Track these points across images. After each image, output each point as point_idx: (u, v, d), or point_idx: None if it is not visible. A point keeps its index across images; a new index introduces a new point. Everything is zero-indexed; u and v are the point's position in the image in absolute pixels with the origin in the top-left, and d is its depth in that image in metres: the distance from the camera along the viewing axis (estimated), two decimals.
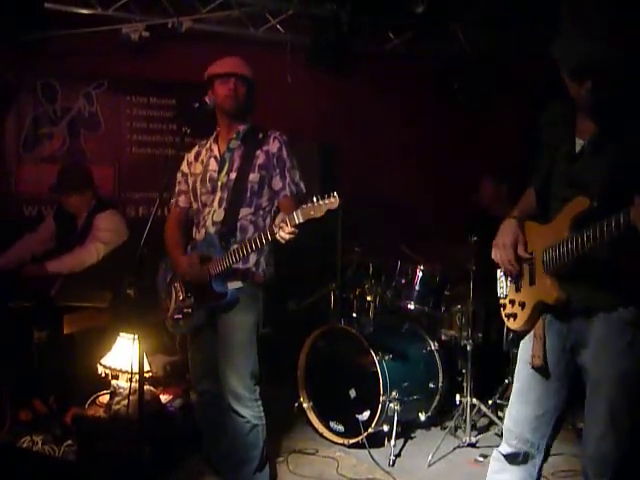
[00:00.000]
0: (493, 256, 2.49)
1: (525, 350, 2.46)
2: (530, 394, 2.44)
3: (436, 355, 4.27)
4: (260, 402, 3.14)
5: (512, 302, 2.48)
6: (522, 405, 2.47)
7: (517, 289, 2.46)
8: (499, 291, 2.58)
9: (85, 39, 4.83)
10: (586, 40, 2.10)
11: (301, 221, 2.57)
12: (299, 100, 5.45)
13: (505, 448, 2.51)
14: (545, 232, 2.31)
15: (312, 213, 2.55)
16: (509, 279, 2.52)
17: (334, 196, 2.54)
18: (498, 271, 2.59)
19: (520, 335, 2.50)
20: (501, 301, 2.57)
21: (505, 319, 2.53)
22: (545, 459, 2.49)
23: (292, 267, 4.46)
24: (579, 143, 2.26)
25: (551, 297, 2.26)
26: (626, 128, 2.14)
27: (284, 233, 2.62)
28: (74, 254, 4.17)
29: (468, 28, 5.58)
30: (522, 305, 2.42)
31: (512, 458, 2.48)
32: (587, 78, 2.10)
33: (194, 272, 3.03)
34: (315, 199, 2.55)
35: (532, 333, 2.42)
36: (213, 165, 3.15)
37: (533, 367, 2.40)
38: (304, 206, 2.56)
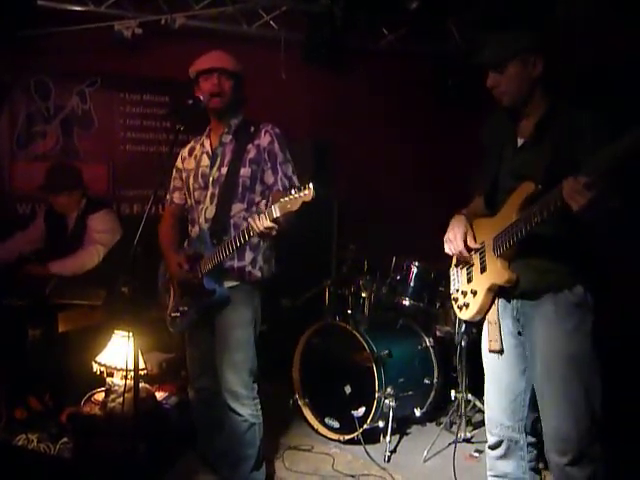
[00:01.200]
0: (446, 250, 2.64)
1: (485, 339, 2.58)
2: (500, 381, 2.56)
3: (431, 351, 4.28)
4: (258, 400, 3.14)
5: (464, 293, 2.60)
6: (495, 393, 2.59)
7: (469, 280, 2.58)
8: (451, 287, 2.70)
9: (78, 36, 4.81)
10: (493, 37, 2.39)
11: (278, 215, 2.53)
12: (293, 97, 5.44)
13: (490, 439, 2.62)
14: (494, 222, 2.46)
15: (289, 207, 2.51)
16: (460, 274, 2.65)
17: (308, 188, 2.48)
18: (450, 269, 2.73)
19: (479, 329, 2.61)
20: (452, 295, 2.69)
21: (457, 311, 2.65)
22: (535, 436, 2.57)
23: (287, 264, 4.46)
24: (520, 140, 2.45)
25: (502, 278, 2.39)
26: (560, 122, 2.30)
27: (260, 224, 2.57)
28: (75, 257, 4.16)
29: (463, 25, 5.58)
30: (474, 293, 2.53)
31: (498, 446, 2.57)
32: (486, 71, 2.38)
33: (182, 275, 3.04)
34: (293, 191, 2.51)
35: (486, 320, 2.53)
36: (205, 161, 3.13)
37: (491, 351, 2.52)
38: (282, 200, 2.52)
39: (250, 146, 3.05)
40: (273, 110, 4.61)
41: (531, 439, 2.56)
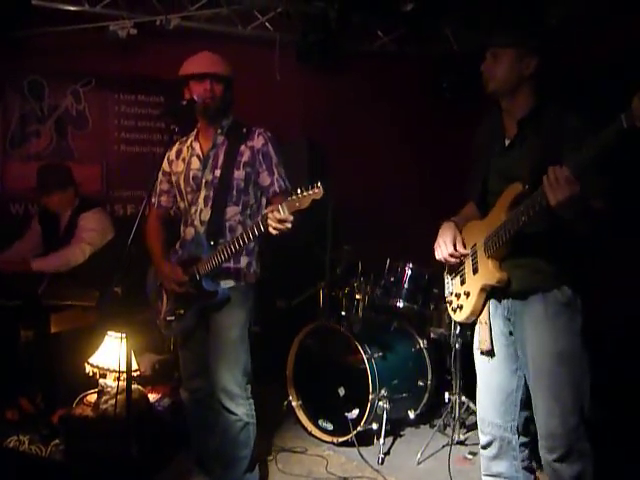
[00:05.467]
0: (436, 256, 2.67)
1: (476, 339, 2.62)
2: (491, 381, 2.59)
3: (425, 353, 4.28)
4: (252, 400, 3.14)
5: (457, 295, 2.64)
6: (487, 393, 2.62)
7: (462, 282, 2.62)
8: (446, 291, 2.74)
9: (72, 36, 4.81)
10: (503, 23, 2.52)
11: (287, 214, 2.55)
12: (288, 98, 5.44)
13: (482, 438, 2.64)
14: (484, 224, 2.50)
15: (297, 205, 2.54)
16: (453, 277, 2.69)
17: (318, 187, 2.53)
18: (445, 273, 2.77)
19: (472, 330, 2.65)
20: (447, 299, 2.73)
21: (452, 313, 2.69)
22: (526, 436, 2.59)
23: (281, 265, 4.45)
24: (507, 141, 2.49)
25: (493, 278, 2.42)
26: (547, 121, 2.35)
27: (274, 222, 2.57)
28: (59, 254, 4.15)
29: (457, 27, 5.59)
30: (467, 294, 2.57)
31: (489, 445, 2.60)
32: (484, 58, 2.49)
33: (179, 287, 3.02)
34: (299, 191, 2.54)
35: (478, 321, 2.57)
36: (196, 163, 3.11)
37: (482, 352, 2.56)
38: (289, 199, 2.54)
39: (243, 148, 3.05)
40: (267, 111, 4.62)
41: (523, 439, 2.59)
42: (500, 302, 2.51)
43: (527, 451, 2.61)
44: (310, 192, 2.53)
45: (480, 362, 2.63)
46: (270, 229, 2.62)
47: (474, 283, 2.52)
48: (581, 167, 1.99)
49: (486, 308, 2.54)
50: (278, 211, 2.56)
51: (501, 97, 2.46)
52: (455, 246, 2.59)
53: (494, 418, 2.57)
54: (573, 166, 2.00)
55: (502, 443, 2.56)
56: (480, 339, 2.56)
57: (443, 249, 2.61)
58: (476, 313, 2.55)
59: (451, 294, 2.69)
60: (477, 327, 2.60)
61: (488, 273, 2.44)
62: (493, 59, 2.42)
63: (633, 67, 4.16)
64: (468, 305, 2.55)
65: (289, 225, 2.58)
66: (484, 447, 2.63)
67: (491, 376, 2.58)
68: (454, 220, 2.69)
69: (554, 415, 2.35)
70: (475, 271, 2.52)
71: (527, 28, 2.44)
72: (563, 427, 2.33)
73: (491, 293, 2.50)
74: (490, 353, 2.54)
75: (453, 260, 2.61)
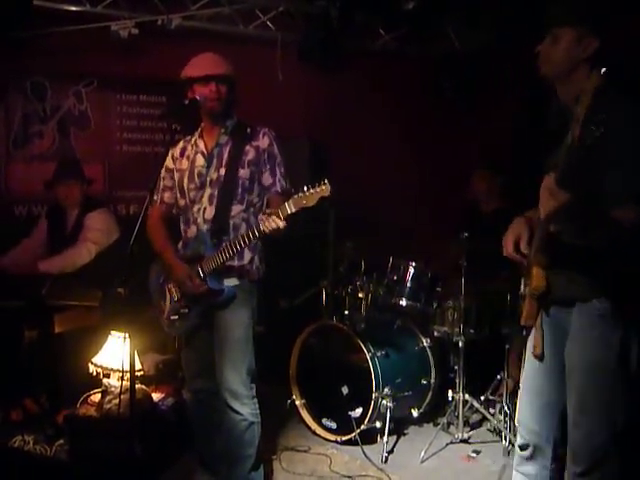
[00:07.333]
0: (504, 252, 2.52)
1: (530, 342, 2.53)
2: (534, 385, 2.51)
3: (428, 351, 4.28)
4: (256, 400, 3.13)
5: (522, 298, 2.54)
6: (528, 396, 2.54)
7: (524, 285, 2.53)
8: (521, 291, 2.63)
9: (74, 37, 4.80)
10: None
11: (293, 211, 2.56)
12: (289, 97, 5.44)
13: (518, 439, 2.57)
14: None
15: (304, 202, 2.55)
16: (524, 278, 2.55)
17: (325, 183, 2.54)
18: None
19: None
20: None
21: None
22: (562, 446, 2.50)
23: (284, 264, 4.45)
24: (569, 137, 2.29)
25: (531, 286, 2.35)
26: (596, 117, 2.13)
27: (273, 223, 2.59)
28: (65, 254, 4.16)
29: (459, 25, 5.58)
30: (523, 298, 2.49)
31: (524, 449, 2.53)
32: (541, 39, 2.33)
33: (190, 287, 3.00)
34: (306, 188, 2.54)
35: (535, 324, 2.48)
36: (200, 161, 3.11)
37: (535, 356, 2.47)
38: (295, 196, 2.55)
39: (248, 147, 3.05)
40: (269, 110, 4.62)
41: (559, 450, 2.48)
42: (548, 310, 2.42)
43: (557, 463, 2.50)
44: (317, 189, 2.54)
45: (528, 365, 2.55)
46: (265, 229, 2.65)
47: (527, 288, 2.45)
48: (561, 179, 1.89)
49: (541, 313, 2.44)
50: (276, 216, 2.58)
51: (555, 81, 2.33)
52: (518, 245, 2.42)
53: (531, 423, 2.49)
54: (556, 177, 1.91)
55: (536, 449, 2.48)
56: (534, 343, 2.47)
57: (505, 247, 2.47)
58: (529, 318, 2.45)
59: (520, 295, 2.61)
60: (533, 330, 2.50)
61: (531, 280, 2.35)
62: (552, 41, 2.29)
63: (632, 67, 4.15)
64: (523, 309, 2.47)
65: (283, 227, 2.62)
66: (520, 447, 2.54)
67: (535, 381, 2.50)
68: (528, 215, 2.51)
69: (578, 428, 2.26)
70: (529, 275, 2.43)
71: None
72: (587, 442, 2.24)
73: (539, 300, 2.40)
74: (540, 358, 2.45)
75: (517, 258, 2.44)
